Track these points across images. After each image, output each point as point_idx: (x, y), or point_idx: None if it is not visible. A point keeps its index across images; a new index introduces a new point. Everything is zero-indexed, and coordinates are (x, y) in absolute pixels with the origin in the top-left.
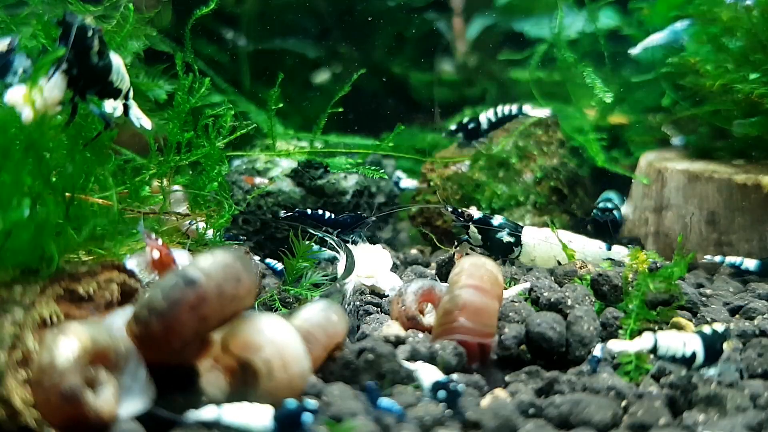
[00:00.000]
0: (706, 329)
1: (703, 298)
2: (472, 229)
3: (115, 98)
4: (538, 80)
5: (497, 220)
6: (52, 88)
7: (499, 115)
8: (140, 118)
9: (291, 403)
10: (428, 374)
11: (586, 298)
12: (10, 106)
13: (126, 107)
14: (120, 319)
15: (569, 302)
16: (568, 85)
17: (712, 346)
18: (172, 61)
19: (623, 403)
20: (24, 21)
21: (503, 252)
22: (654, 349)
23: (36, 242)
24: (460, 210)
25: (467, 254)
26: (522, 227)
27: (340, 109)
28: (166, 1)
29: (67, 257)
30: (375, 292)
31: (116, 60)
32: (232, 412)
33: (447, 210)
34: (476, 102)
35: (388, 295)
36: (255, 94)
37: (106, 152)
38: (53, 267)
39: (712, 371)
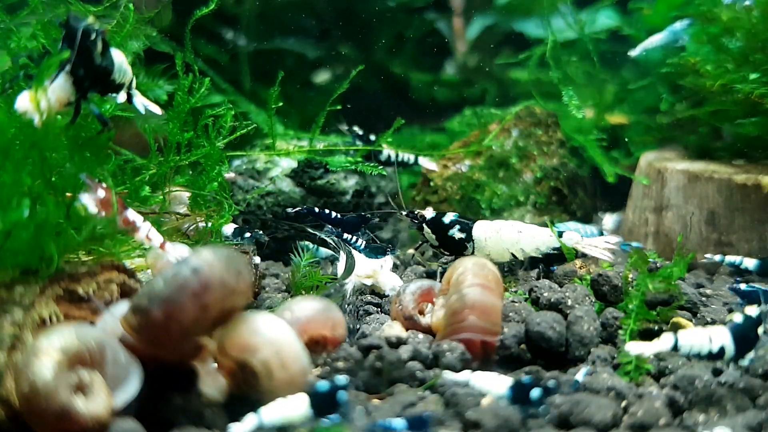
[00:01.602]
0: (737, 317)
1: (703, 298)
2: (426, 229)
3: (118, 92)
4: (537, 80)
5: (448, 217)
6: (58, 89)
7: (399, 158)
8: (147, 105)
9: (322, 385)
10: (492, 382)
11: (586, 298)
12: (22, 112)
13: (129, 96)
14: (110, 318)
15: (569, 302)
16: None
17: (745, 336)
18: (172, 61)
19: (623, 403)
20: (24, 21)
21: (457, 249)
22: (675, 349)
23: (36, 242)
24: (414, 212)
25: (425, 253)
26: (473, 222)
27: (338, 107)
28: (166, 1)
29: (67, 257)
30: (375, 292)
31: (118, 57)
32: (270, 412)
33: (402, 214)
34: (476, 102)
35: (388, 295)
36: (255, 94)
37: (106, 152)
38: (53, 267)
39: (747, 361)
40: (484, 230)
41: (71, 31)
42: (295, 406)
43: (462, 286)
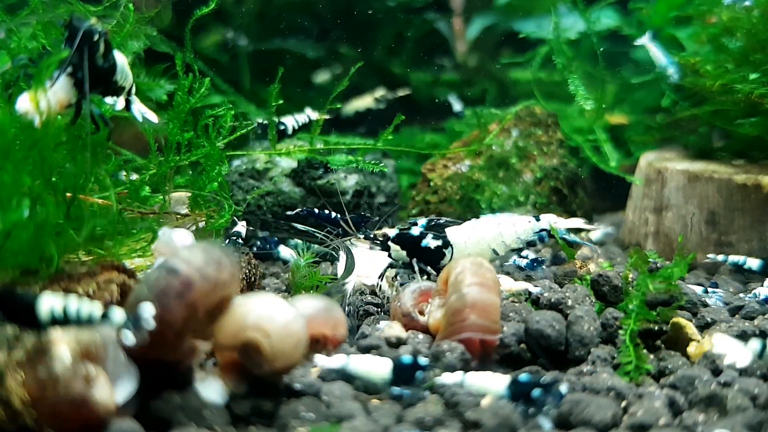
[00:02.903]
0: None
1: (703, 298)
2: (394, 248)
3: (118, 95)
4: (539, 80)
5: (416, 229)
6: (59, 90)
7: (300, 122)
8: (144, 113)
9: (407, 358)
10: (490, 380)
11: (587, 298)
12: (22, 113)
13: (128, 102)
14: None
15: (569, 302)
16: (569, 86)
17: None
18: (172, 61)
19: (623, 403)
20: (24, 21)
21: (436, 258)
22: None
23: (36, 242)
24: (372, 234)
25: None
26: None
27: (339, 106)
28: (166, 1)
29: (67, 257)
30: (375, 292)
31: (120, 59)
32: (357, 361)
33: (360, 238)
34: (476, 102)
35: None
36: (255, 94)
37: (106, 152)
38: (53, 267)
39: None
40: (459, 234)
41: (74, 32)
42: (380, 366)
43: (461, 286)
